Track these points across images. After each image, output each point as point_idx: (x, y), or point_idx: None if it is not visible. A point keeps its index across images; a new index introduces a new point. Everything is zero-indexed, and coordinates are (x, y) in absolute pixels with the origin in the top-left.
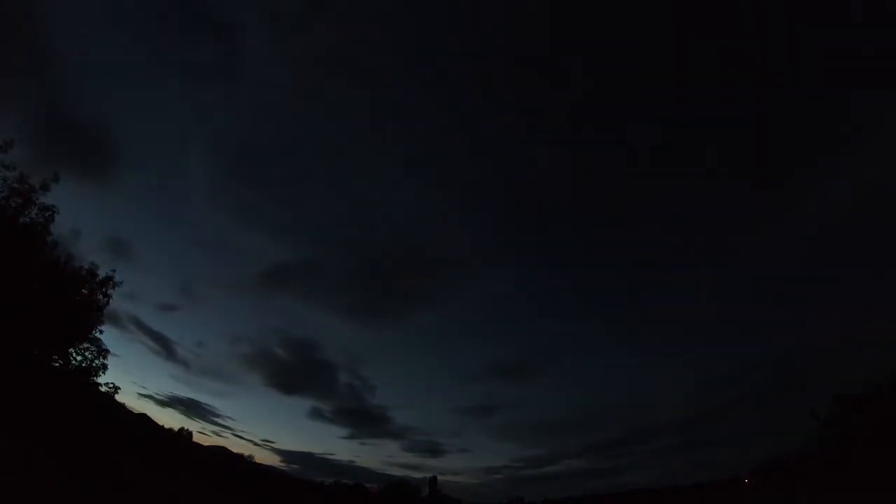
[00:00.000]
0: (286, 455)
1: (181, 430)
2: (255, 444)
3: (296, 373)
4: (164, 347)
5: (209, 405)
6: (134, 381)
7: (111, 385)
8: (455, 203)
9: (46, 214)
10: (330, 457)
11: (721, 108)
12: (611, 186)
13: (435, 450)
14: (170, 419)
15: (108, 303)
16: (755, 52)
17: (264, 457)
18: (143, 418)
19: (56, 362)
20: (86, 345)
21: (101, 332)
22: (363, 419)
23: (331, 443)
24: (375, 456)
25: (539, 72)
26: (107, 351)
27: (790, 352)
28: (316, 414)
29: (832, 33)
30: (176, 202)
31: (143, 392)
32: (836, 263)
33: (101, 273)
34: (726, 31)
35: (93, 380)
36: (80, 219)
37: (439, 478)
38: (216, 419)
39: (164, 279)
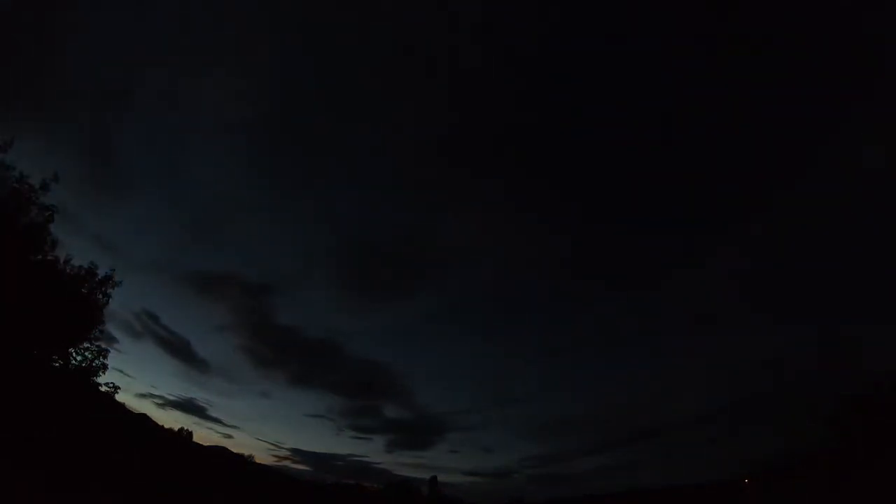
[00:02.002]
0: (311, 457)
1: (181, 430)
2: (281, 447)
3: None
4: (183, 348)
5: (214, 405)
6: (152, 384)
7: (111, 385)
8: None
9: (46, 214)
10: (362, 459)
11: (718, 101)
12: (623, 173)
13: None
14: (183, 422)
15: (107, 302)
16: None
17: (288, 460)
18: (143, 418)
19: (56, 362)
20: (86, 344)
21: (101, 331)
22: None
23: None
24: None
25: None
26: (107, 351)
27: (790, 352)
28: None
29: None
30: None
31: (154, 393)
32: (836, 262)
33: (101, 272)
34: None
35: (93, 380)
36: None
37: (444, 478)
38: (219, 420)
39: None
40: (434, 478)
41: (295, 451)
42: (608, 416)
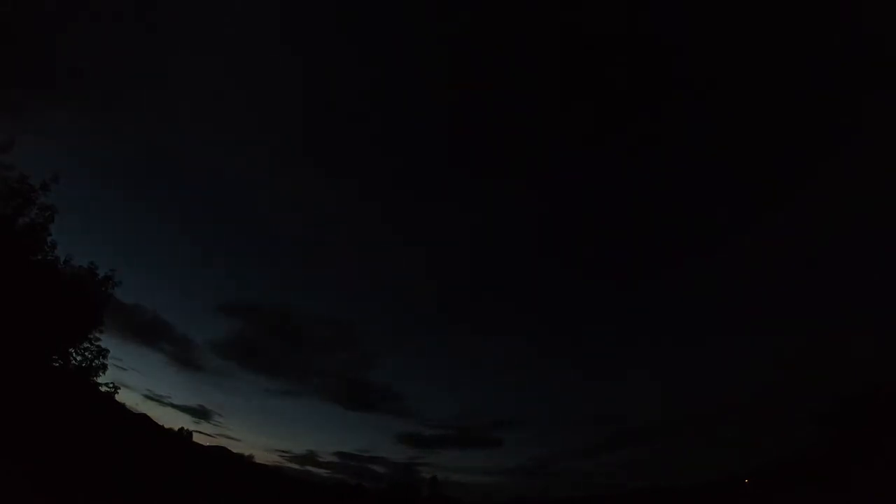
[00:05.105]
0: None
1: (181, 429)
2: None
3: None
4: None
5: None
6: (163, 392)
7: (111, 385)
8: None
9: (46, 214)
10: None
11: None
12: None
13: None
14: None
15: (107, 302)
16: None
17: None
18: (143, 418)
19: (56, 362)
20: (86, 344)
21: (101, 331)
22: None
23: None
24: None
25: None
26: (107, 350)
27: (790, 352)
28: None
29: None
30: None
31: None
32: (836, 260)
33: (101, 273)
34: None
35: (92, 380)
36: None
37: (446, 478)
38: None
39: None
40: (434, 478)
41: (339, 453)
42: (606, 417)
